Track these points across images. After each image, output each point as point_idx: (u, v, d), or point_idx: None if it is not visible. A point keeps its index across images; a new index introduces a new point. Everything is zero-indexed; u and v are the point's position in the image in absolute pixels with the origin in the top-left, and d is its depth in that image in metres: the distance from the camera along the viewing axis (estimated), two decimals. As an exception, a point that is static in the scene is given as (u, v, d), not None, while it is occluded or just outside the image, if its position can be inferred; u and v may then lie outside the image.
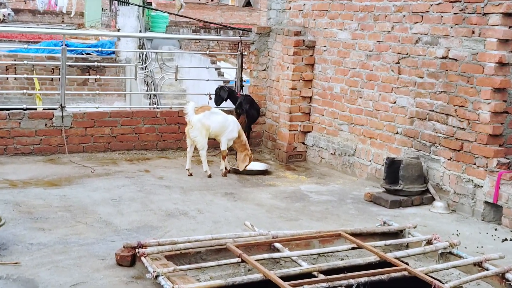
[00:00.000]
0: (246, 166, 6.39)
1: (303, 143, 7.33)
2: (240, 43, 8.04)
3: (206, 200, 5.39)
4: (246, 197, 5.61)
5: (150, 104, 11.53)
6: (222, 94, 7.40)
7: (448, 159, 5.52)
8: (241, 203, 5.37)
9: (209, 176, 6.29)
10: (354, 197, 5.77)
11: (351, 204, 5.52)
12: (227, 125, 6.35)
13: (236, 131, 6.39)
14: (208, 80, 8.73)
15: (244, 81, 8.23)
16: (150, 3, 23.25)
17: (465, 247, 4.34)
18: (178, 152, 7.37)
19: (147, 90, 12.21)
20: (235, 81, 8.22)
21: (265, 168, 6.74)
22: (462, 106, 5.38)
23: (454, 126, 5.48)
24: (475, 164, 5.28)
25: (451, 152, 5.50)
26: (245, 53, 8.20)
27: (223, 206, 5.24)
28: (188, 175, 6.30)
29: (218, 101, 7.41)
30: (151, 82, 11.62)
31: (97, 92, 9.13)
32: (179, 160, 7.03)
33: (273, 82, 7.77)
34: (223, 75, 12.94)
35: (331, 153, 6.92)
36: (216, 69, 12.68)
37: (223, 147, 6.39)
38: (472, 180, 5.28)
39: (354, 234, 4.15)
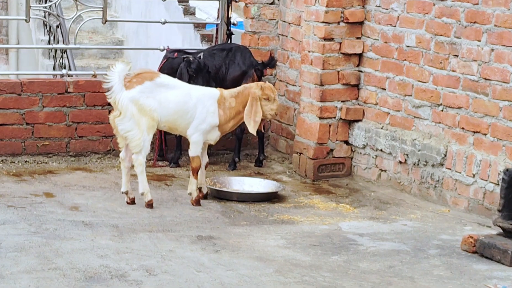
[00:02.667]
0: (262, 122, 6.41)
1: (346, 143, 7.38)
2: (226, -47, 8.09)
3: (161, 251, 5.40)
4: (238, 244, 5.63)
5: (55, 67, 11.55)
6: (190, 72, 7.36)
7: None
8: (227, 257, 5.38)
9: (149, 205, 6.26)
10: (443, 244, 5.80)
11: (437, 257, 5.55)
12: (190, 107, 6.31)
13: (215, 112, 6.31)
14: (165, 22, 8.73)
15: (234, 24, 8.25)
16: None
17: None
18: (108, 160, 7.40)
19: (49, 42, 12.24)
20: (217, 25, 8.23)
21: (274, 190, 6.79)
22: None
23: None
24: None
25: None
26: (236, -29, 8.22)
27: (194, 261, 5.25)
28: (128, 203, 6.34)
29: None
30: (57, 27, 11.64)
31: (-45, 45, 9.18)
32: (109, 174, 7.06)
33: (289, 27, 7.79)
34: (194, 14, 12.94)
35: (400, 162, 6.94)
36: (180, 2, 12.69)
37: (193, 151, 6.39)
38: None
39: (441, 314, 4.17)
